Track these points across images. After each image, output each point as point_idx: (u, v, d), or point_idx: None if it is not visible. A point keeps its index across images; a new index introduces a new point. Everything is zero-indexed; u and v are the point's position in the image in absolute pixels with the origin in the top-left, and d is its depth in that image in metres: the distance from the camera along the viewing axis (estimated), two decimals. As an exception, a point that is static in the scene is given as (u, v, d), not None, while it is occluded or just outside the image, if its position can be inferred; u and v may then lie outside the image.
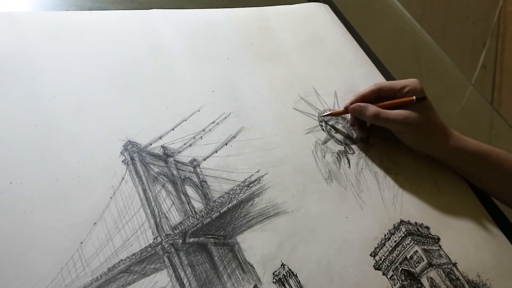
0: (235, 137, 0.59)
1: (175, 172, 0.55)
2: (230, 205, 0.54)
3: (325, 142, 0.65)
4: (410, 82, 0.66)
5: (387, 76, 0.78)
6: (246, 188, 0.56)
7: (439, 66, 0.98)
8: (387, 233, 0.59)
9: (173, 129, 0.57)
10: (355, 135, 0.68)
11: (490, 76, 1.80)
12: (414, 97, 0.64)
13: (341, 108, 0.68)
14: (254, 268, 0.51)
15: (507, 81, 1.78)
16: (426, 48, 0.99)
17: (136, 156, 0.53)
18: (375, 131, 0.68)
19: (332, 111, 0.68)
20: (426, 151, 0.68)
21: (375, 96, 0.66)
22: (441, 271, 0.58)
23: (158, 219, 0.51)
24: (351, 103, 0.66)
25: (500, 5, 1.76)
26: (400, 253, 0.58)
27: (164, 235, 0.50)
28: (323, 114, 0.67)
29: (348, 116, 0.69)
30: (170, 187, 0.54)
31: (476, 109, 0.94)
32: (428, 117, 0.65)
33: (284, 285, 0.51)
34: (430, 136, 0.65)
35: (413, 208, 0.63)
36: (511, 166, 0.66)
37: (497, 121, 0.93)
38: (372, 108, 0.65)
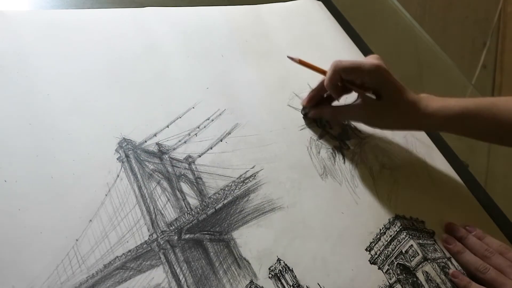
0: (230, 133, 0.60)
1: (170, 169, 0.55)
2: (225, 201, 0.54)
3: (320, 138, 0.65)
4: (371, 63, 0.61)
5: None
6: (241, 184, 0.56)
7: (439, 66, 0.98)
8: (383, 228, 0.59)
9: (167, 126, 0.57)
10: (349, 131, 0.68)
11: (490, 76, 1.80)
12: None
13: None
14: (250, 263, 0.51)
15: (507, 81, 1.79)
16: (426, 48, 0.99)
17: (131, 153, 0.53)
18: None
19: (306, 62, 0.65)
20: (399, 129, 0.66)
21: (335, 84, 0.62)
22: (436, 265, 0.58)
23: (153, 216, 0.51)
24: (307, 104, 0.66)
25: (500, 5, 1.77)
26: (395, 247, 0.59)
27: (159, 231, 0.50)
28: (292, 57, 0.65)
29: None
30: (165, 184, 0.54)
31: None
32: (396, 98, 0.61)
33: (280, 280, 0.51)
34: (399, 116, 0.62)
35: (408, 203, 0.63)
36: (498, 119, 0.61)
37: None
38: (327, 110, 0.65)
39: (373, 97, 0.62)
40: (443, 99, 0.63)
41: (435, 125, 0.64)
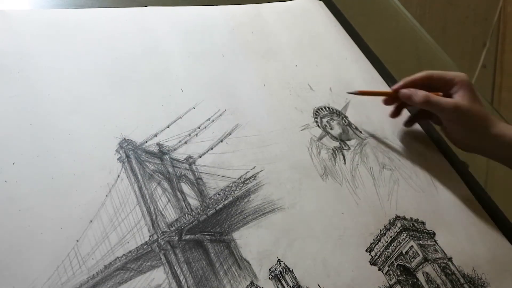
0: (230, 134, 0.60)
1: (170, 170, 0.55)
2: (226, 202, 0.54)
3: (320, 138, 0.65)
4: (459, 75, 0.67)
5: (387, 75, 0.79)
6: (241, 185, 0.56)
7: (439, 66, 0.98)
8: (383, 229, 0.59)
9: (168, 127, 0.57)
10: (350, 131, 0.68)
11: (490, 76, 1.80)
12: (440, 93, 0.67)
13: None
14: (250, 264, 0.51)
15: (507, 81, 1.79)
16: (426, 48, 0.99)
17: (132, 153, 0.53)
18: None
19: (366, 91, 0.70)
20: (472, 140, 0.67)
21: (424, 84, 0.68)
22: (437, 266, 0.58)
23: (154, 217, 0.51)
24: (401, 87, 0.68)
25: (500, 5, 1.77)
26: (395, 248, 0.59)
27: (160, 232, 0.50)
28: (352, 92, 0.69)
29: (347, 114, 0.69)
30: (165, 184, 0.54)
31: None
32: (475, 106, 0.65)
33: (280, 281, 0.51)
34: (476, 123, 0.65)
35: (408, 204, 0.63)
36: None
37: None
38: (421, 93, 0.66)
39: None
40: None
41: (507, 150, 0.65)
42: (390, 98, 0.70)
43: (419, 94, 0.66)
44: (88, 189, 0.50)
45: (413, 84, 0.68)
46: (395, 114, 0.72)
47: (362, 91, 0.70)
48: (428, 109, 0.67)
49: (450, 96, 0.67)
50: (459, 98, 0.65)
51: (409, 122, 0.72)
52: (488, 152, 0.68)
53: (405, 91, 0.67)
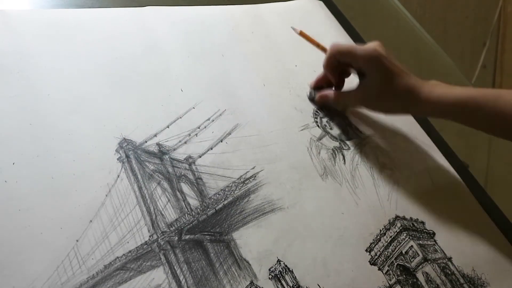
0: (230, 134, 0.60)
1: (170, 170, 0.55)
2: (225, 202, 0.54)
3: (320, 138, 0.65)
4: (367, 49, 0.63)
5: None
6: (241, 185, 0.56)
7: (439, 66, 0.98)
8: (383, 229, 0.59)
9: (168, 127, 0.57)
10: (350, 131, 0.68)
11: (490, 76, 1.80)
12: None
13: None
14: (250, 264, 0.51)
15: (507, 81, 1.79)
16: (426, 48, 0.99)
17: (131, 153, 0.53)
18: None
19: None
20: (401, 113, 0.68)
21: (333, 67, 0.66)
22: (436, 266, 0.58)
23: (153, 217, 0.51)
24: (314, 85, 0.69)
25: (500, 5, 1.77)
26: (395, 248, 0.59)
27: (160, 232, 0.50)
28: (294, 28, 0.69)
29: (347, 114, 0.70)
30: (165, 184, 0.54)
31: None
32: (389, 82, 0.62)
33: (280, 281, 0.51)
34: (397, 100, 0.63)
35: (408, 204, 0.63)
36: (503, 111, 0.59)
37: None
38: (331, 94, 0.67)
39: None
40: (448, 86, 0.62)
41: (437, 111, 0.63)
42: (335, 68, 0.67)
43: (330, 98, 0.67)
44: (88, 189, 0.50)
45: (321, 81, 0.68)
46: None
47: (303, 32, 0.68)
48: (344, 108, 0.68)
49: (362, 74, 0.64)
50: (367, 82, 0.63)
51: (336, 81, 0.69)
52: (419, 116, 0.69)
53: (319, 100, 0.68)
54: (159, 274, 0.48)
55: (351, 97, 0.66)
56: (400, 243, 0.59)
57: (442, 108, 0.61)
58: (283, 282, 0.51)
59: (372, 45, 0.63)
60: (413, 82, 0.62)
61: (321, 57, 0.67)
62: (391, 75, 0.62)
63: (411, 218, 0.62)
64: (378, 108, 0.67)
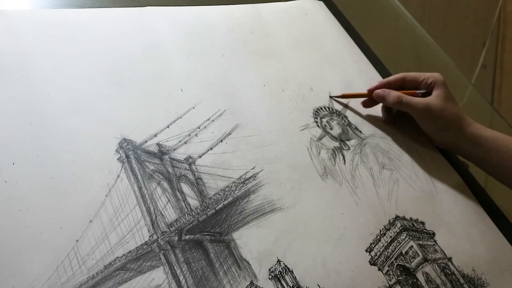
0: (230, 134, 0.60)
1: (170, 170, 0.55)
2: (225, 202, 0.54)
3: (320, 138, 0.65)
4: (433, 75, 0.69)
5: (387, 75, 0.79)
6: (241, 185, 0.56)
7: (439, 66, 0.98)
8: (383, 229, 0.59)
9: (168, 127, 0.57)
10: (350, 131, 0.68)
11: (490, 76, 1.80)
12: (417, 91, 0.69)
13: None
14: (250, 264, 0.51)
15: (507, 81, 1.78)
16: (426, 48, 0.99)
17: (131, 154, 0.53)
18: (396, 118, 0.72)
19: (347, 93, 0.71)
20: (445, 139, 0.69)
21: (399, 85, 0.70)
22: (436, 266, 0.58)
23: (153, 217, 0.51)
24: (376, 88, 0.70)
25: (500, 5, 1.76)
26: (395, 248, 0.59)
27: (160, 232, 0.50)
28: (334, 96, 0.70)
29: (346, 113, 0.69)
30: (165, 184, 0.54)
31: (476, 109, 0.94)
32: (448, 106, 0.67)
33: (280, 281, 0.51)
34: (449, 123, 0.67)
35: (408, 204, 0.63)
36: None
37: (497, 121, 0.93)
38: (394, 93, 0.68)
39: None
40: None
41: (481, 141, 0.67)
42: (368, 100, 0.71)
43: (392, 94, 0.68)
44: (88, 189, 0.50)
45: (388, 86, 0.70)
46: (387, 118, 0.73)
47: (345, 94, 0.71)
48: (400, 108, 0.69)
49: (424, 96, 0.69)
50: (432, 98, 0.67)
51: (388, 120, 0.73)
52: (461, 151, 0.70)
53: (378, 91, 0.69)
54: (159, 274, 0.48)
55: (413, 101, 0.67)
56: (400, 243, 0.59)
57: (483, 143, 0.67)
58: (283, 282, 0.51)
59: (437, 73, 0.70)
60: (466, 117, 0.68)
61: (321, 57, 0.67)
62: (453, 101, 0.69)
63: (411, 218, 0.62)
64: (429, 125, 0.69)
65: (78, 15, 0.63)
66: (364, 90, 0.71)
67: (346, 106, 0.71)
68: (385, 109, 0.72)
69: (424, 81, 0.69)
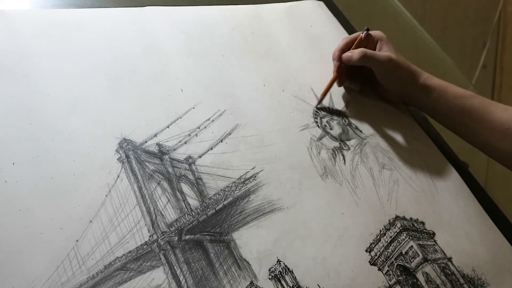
0: (230, 134, 0.60)
1: (170, 170, 0.55)
2: (225, 202, 0.54)
3: (320, 138, 0.65)
4: (376, 33, 0.72)
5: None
6: (241, 185, 0.56)
7: (439, 66, 0.98)
8: (383, 229, 0.59)
9: (168, 127, 0.57)
10: (350, 131, 0.68)
11: (490, 76, 1.80)
12: (361, 33, 0.71)
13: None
14: (250, 264, 0.51)
15: (507, 81, 1.78)
16: (426, 48, 0.99)
17: (131, 154, 0.53)
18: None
19: (322, 93, 0.70)
20: (402, 91, 0.71)
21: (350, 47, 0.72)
22: (436, 266, 0.58)
23: (153, 217, 0.51)
24: (340, 54, 0.71)
25: (500, 5, 1.76)
26: (395, 248, 0.59)
27: (160, 232, 0.50)
28: (318, 106, 0.69)
29: (346, 113, 0.69)
30: (165, 184, 0.54)
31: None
32: (401, 58, 0.70)
33: (280, 281, 0.51)
34: (406, 74, 0.70)
35: (408, 204, 0.63)
36: (484, 115, 0.67)
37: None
38: (358, 50, 0.69)
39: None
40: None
41: (433, 90, 0.69)
42: (340, 79, 0.72)
43: (356, 51, 0.69)
44: (88, 189, 0.50)
45: (347, 48, 0.71)
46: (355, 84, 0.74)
47: (321, 95, 0.69)
48: (365, 63, 0.69)
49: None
50: (388, 51, 0.70)
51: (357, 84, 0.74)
52: (415, 101, 0.73)
53: (345, 54, 0.70)
54: (159, 274, 0.48)
55: (377, 55, 0.68)
56: (400, 243, 0.59)
57: (435, 92, 0.69)
58: (283, 282, 0.51)
59: (379, 31, 0.72)
60: (418, 69, 0.71)
61: (321, 58, 0.67)
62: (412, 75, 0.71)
63: (411, 218, 0.62)
64: (390, 78, 0.70)
65: (78, 15, 0.63)
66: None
67: (346, 105, 0.71)
68: (350, 78, 0.73)
69: (373, 39, 0.72)
